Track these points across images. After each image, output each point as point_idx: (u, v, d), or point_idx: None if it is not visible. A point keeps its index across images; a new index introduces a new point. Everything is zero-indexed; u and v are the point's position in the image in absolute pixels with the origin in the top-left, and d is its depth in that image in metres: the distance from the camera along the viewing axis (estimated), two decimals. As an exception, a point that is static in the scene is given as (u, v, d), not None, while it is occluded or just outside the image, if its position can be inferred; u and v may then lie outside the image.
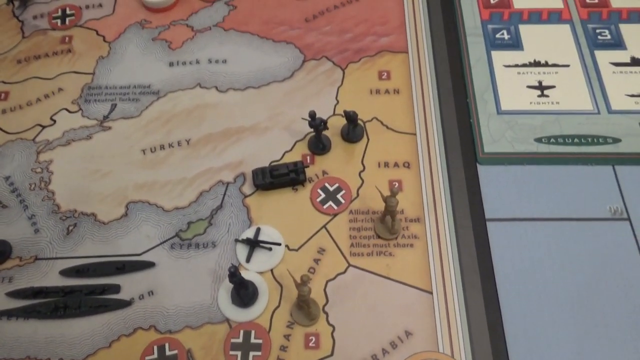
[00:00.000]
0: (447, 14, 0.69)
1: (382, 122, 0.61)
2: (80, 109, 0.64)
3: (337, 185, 0.56)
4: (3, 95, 0.65)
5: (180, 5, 0.72)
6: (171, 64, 0.67)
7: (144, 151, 0.60)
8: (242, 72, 0.66)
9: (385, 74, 0.65)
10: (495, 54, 0.65)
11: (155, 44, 0.69)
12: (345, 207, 0.55)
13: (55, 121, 0.63)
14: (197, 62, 0.67)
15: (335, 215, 0.55)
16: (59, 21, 0.71)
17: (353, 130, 0.60)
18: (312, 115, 0.55)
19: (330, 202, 0.55)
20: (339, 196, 0.56)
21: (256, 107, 0.63)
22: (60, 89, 0.66)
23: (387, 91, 0.63)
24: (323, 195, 0.56)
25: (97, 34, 0.70)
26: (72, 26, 0.71)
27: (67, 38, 0.70)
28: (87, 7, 0.73)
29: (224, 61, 0.67)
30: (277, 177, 0.55)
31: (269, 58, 0.67)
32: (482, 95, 0.62)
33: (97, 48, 0.69)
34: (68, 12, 0.72)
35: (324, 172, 0.58)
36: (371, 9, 0.70)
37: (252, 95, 0.64)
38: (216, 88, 0.64)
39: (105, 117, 0.63)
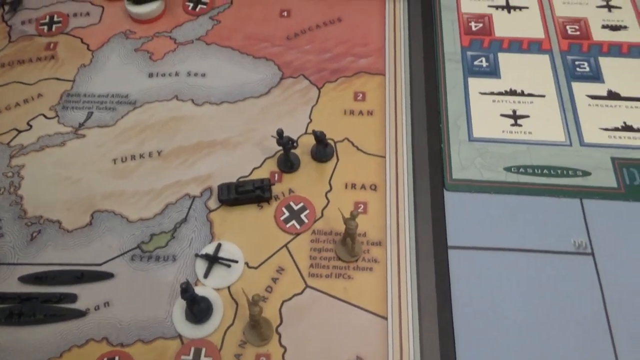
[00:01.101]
0: (428, 38, 0.70)
1: (353, 143, 0.61)
2: (57, 115, 0.64)
3: (302, 204, 0.56)
4: (-17, 98, 0.67)
5: (166, 17, 0.73)
6: (151, 75, 0.68)
7: (115, 160, 0.60)
8: (219, 87, 0.66)
9: (361, 95, 0.65)
10: (472, 81, 0.65)
11: (137, 55, 0.69)
12: (308, 227, 0.55)
13: (31, 126, 0.63)
14: (177, 74, 0.67)
15: (297, 234, 0.55)
16: (45, 27, 0.72)
17: (323, 149, 0.60)
18: (280, 133, 0.56)
19: (294, 221, 0.55)
20: (302, 215, 0.56)
21: (230, 122, 0.63)
22: (40, 95, 0.66)
23: (360, 112, 0.63)
24: (287, 214, 0.56)
25: (82, 42, 0.71)
26: (58, 33, 0.72)
27: (52, 44, 0.71)
28: (75, 15, 0.74)
29: (203, 75, 0.67)
30: (242, 194, 0.55)
31: (247, 74, 0.67)
32: (456, 121, 0.62)
33: (80, 56, 0.70)
34: (55, 19, 0.73)
35: (291, 191, 0.58)
36: (353, 30, 0.71)
37: (227, 110, 0.64)
38: (192, 101, 0.65)
39: (81, 125, 0.63)
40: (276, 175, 0.59)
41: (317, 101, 0.64)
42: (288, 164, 0.59)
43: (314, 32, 0.71)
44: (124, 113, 0.64)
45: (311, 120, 0.63)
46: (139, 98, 0.66)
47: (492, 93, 0.64)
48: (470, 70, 0.66)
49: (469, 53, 0.68)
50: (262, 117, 0.63)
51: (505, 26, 0.70)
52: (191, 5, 0.73)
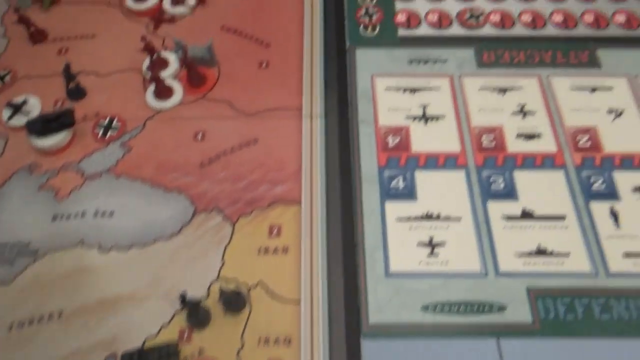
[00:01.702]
0: (345, 158, 0.68)
1: (267, 288, 0.58)
2: (-49, 274, 0.61)
3: (211, 368, 0.54)
4: None
5: (74, 146, 0.69)
6: (55, 218, 0.63)
7: (10, 327, 0.56)
8: (128, 227, 0.63)
9: (276, 229, 0.63)
10: (388, 206, 0.64)
11: (40, 194, 0.65)
12: (217, 396, 0.52)
13: None
14: (83, 215, 0.64)
15: (206, 407, 0.52)
16: (-58, 166, 0.69)
17: (236, 298, 0.57)
18: (182, 298, 0.53)
19: (202, 391, 0.53)
20: (212, 383, 0.53)
21: (138, 270, 0.60)
22: None
23: (275, 250, 0.61)
24: (195, 383, 0.53)
25: (-18, 180, 0.68)
26: (-44, 171, 0.69)
27: (-53, 185, 0.68)
28: (-24, 148, 0.71)
29: (111, 214, 0.64)
30: (146, 365, 0.53)
31: (157, 211, 0.64)
32: (372, 254, 0.61)
33: (-21, 198, 0.66)
34: (-46, 154, 0.70)
35: (201, 351, 0.55)
36: (269, 152, 0.69)
37: (136, 256, 0.61)
38: (99, 246, 0.61)
39: (-25, 285, 0.60)
40: (186, 332, 0.56)
41: (230, 239, 0.62)
42: (197, 320, 0.56)
43: (228, 156, 0.69)
44: (23, 267, 0.60)
45: (224, 263, 0.60)
46: (41, 246, 0.61)
47: (408, 219, 0.63)
48: (387, 193, 0.65)
49: (386, 173, 0.67)
50: (172, 263, 0.60)
51: (422, 140, 0.70)
52: (101, 131, 0.71)
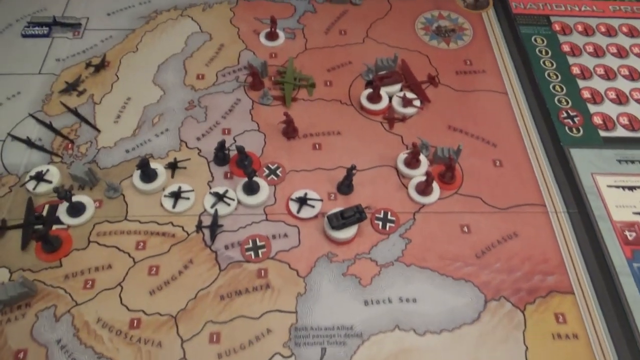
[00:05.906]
0: (597, 251, 0.80)
1: (570, 371, 0.69)
2: (293, 353, 0.69)
3: None
4: (215, 337, 0.70)
5: (360, 238, 0.80)
6: (366, 303, 0.74)
7: (366, 406, 0.65)
8: (433, 313, 0.73)
9: (561, 317, 0.73)
10: (649, 297, 0.75)
11: (346, 280, 0.76)
12: None
13: (275, 370, 0.68)
14: (389, 300, 0.74)
15: None
16: (252, 253, 0.78)
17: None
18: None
19: None
20: None
21: (452, 352, 0.69)
22: (269, 330, 0.71)
23: (567, 336, 0.71)
24: None
25: (290, 267, 0.77)
26: (265, 258, 0.78)
27: (262, 272, 0.77)
28: (274, 236, 0.80)
29: (414, 300, 0.74)
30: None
31: (453, 298, 0.74)
32: (649, 341, 0.71)
33: (293, 283, 0.75)
34: (259, 243, 0.79)
35: None
36: (530, 245, 0.80)
37: (448, 339, 0.70)
38: (414, 331, 0.71)
39: (321, 365, 0.68)
40: (516, 411, 0.65)
41: (525, 325, 0.72)
42: None
43: (497, 248, 0.80)
44: (355, 348, 0.69)
45: (527, 348, 0.70)
46: (363, 330, 0.71)
47: (670, 308, 0.74)
48: (644, 285, 0.77)
49: (636, 265, 0.79)
50: (481, 345, 0.69)
51: (655, 235, 0.83)
52: (380, 224, 0.82)
